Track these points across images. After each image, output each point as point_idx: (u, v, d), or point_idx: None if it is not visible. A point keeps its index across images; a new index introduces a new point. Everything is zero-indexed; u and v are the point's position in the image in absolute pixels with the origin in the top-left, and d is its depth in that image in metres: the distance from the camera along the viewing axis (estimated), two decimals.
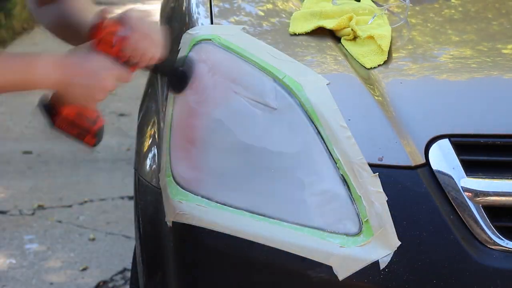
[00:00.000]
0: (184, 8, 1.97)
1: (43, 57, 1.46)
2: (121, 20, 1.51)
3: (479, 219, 1.45)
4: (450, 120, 1.52)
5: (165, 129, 1.68)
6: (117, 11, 1.57)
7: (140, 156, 1.88)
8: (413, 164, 1.47)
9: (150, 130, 1.87)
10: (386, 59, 1.67)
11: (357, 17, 1.79)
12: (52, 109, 1.53)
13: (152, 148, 1.80)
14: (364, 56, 1.68)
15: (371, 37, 1.72)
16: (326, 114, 1.50)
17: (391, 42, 1.74)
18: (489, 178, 1.47)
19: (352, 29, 1.75)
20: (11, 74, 1.43)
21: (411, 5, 1.94)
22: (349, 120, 1.49)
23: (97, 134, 1.58)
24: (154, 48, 1.53)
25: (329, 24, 1.77)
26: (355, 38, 1.75)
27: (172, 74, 1.62)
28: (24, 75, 1.44)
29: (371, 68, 1.65)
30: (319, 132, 1.50)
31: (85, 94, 1.49)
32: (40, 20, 1.71)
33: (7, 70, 1.42)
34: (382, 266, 1.45)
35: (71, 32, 1.65)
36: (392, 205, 1.45)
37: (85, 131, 1.56)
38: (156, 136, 1.78)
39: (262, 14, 1.95)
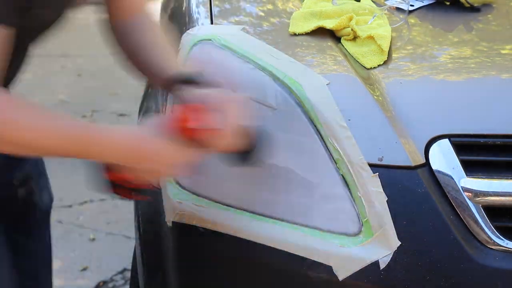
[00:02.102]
0: (184, 8, 1.97)
1: (117, 128, 1.29)
2: (211, 106, 1.31)
3: (479, 219, 1.46)
4: (450, 120, 1.52)
5: None
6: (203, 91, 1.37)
7: None
8: (413, 164, 1.47)
9: None
10: (386, 59, 1.68)
11: (357, 17, 1.80)
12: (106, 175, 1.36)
13: None
14: (364, 56, 1.68)
15: (371, 37, 1.72)
16: (326, 114, 1.50)
17: (391, 42, 1.74)
18: (489, 178, 1.47)
19: (352, 29, 1.75)
20: (69, 138, 1.24)
21: (411, 5, 1.95)
22: (349, 120, 1.49)
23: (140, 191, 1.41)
24: (234, 140, 1.35)
25: (329, 24, 1.77)
26: (355, 38, 1.75)
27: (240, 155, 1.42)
28: (84, 141, 1.24)
29: (371, 68, 1.65)
30: (319, 132, 1.50)
31: (147, 174, 1.33)
32: (116, 51, 1.58)
33: (66, 131, 1.23)
34: (382, 266, 1.45)
35: (143, 70, 1.52)
36: (392, 205, 1.45)
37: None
38: None
39: (262, 14, 1.95)
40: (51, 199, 1.76)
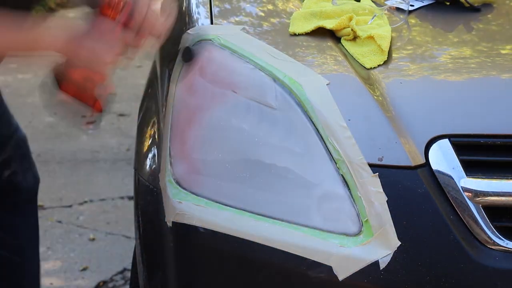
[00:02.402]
0: (184, 8, 1.97)
1: (52, 20, 1.49)
2: None
3: (479, 219, 1.45)
4: (450, 120, 1.52)
5: (165, 129, 1.68)
6: None
7: (140, 156, 1.88)
8: (413, 164, 1.47)
9: (150, 130, 1.87)
10: (386, 59, 1.67)
11: (357, 17, 1.79)
12: (60, 75, 1.55)
13: (152, 148, 1.80)
14: (364, 56, 1.68)
15: (371, 37, 1.72)
16: (326, 114, 1.50)
17: (391, 42, 1.74)
18: (489, 178, 1.47)
19: (352, 29, 1.75)
20: (18, 33, 1.46)
21: (411, 5, 1.95)
22: (349, 120, 1.49)
23: (106, 99, 1.58)
24: (162, 16, 1.54)
25: (329, 24, 1.77)
26: (355, 38, 1.75)
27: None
28: (31, 35, 1.46)
29: (371, 68, 1.65)
30: (319, 132, 1.50)
31: (92, 56, 1.50)
32: None
33: (14, 28, 1.45)
34: (382, 266, 1.45)
35: None
36: (392, 205, 1.45)
37: (93, 96, 1.56)
38: (156, 136, 1.78)
39: (262, 14, 1.95)
40: (36, 181, 1.91)
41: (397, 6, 1.92)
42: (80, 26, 1.50)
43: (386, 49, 1.69)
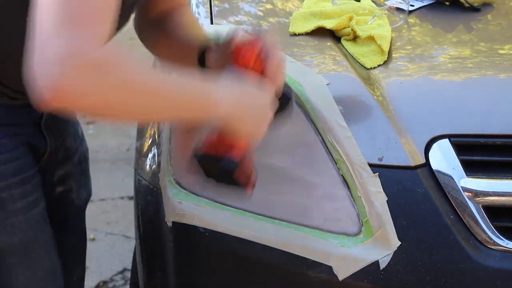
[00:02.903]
0: None
1: (214, 78, 1.22)
2: (258, 38, 1.32)
3: (479, 219, 1.45)
4: (450, 120, 1.52)
5: (165, 129, 1.68)
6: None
7: (140, 156, 1.88)
8: (413, 164, 1.47)
9: (150, 130, 1.87)
10: (386, 59, 1.67)
11: (357, 17, 1.79)
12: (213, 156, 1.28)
13: (152, 148, 1.80)
14: (364, 56, 1.68)
15: (371, 37, 1.72)
16: (326, 114, 1.50)
17: (391, 42, 1.74)
18: (489, 178, 1.47)
19: (352, 29, 1.75)
20: (187, 94, 1.17)
21: (411, 5, 1.95)
22: (349, 120, 1.49)
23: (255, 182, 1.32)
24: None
25: (329, 24, 1.77)
26: (355, 38, 1.75)
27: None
28: (199, 97, 1.18)
29: (371, 68, 1.65)
30: (319, 132, 1.50)
31: (253, 126, 1.28)
32: (144, 39, 1.55)
33: (181, 87, 1.16)
34: (382, 266, 1.45)
35: (178, 51, 1.48)
36: (392, 205, 1.45)
37: (248, 176, 1.30)
38: (156, 136, 1.78)
39: (262, 14, 1.95)
40: (88, 195, 1.81)
41: (397, 6, 1.93)
42: (238, 85, 1.24)
43: (387, 49, 1.69)
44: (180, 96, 1.15)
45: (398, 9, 1.93)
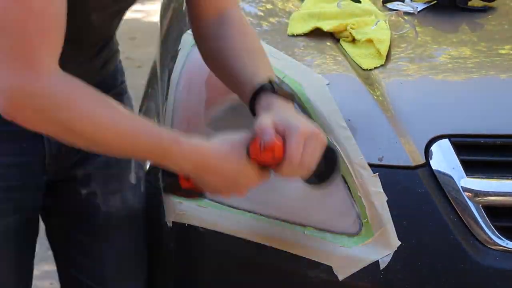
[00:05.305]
0: (184, 8, 1.96)
1: (181, 142, 1.26)
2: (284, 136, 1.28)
3: (479, 219, 1.45)
4: (450, 120, 1.52)
5: None
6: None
7: None
8: (413, 164, 1.47)
9: None
10: (383, 63, 1.67)
11: (357, 18, 1.78)
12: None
13: None
14: (361, 57, 1.68)
15: (370, 41, 1.71)
16: (326, 114, 1.50)
17: (391, 42, 1.74)
18: (489, 178, 1.47)
19: (350, 33, 1.74)
20: (142, 147, 1.24)
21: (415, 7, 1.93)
22: (349, 120, 1.49)
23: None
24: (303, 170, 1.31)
25: (326, 26, 1.76)
26: (354, 40, 1.74)
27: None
28: (156, 153, 1.25)
29: (367, 69, 1.64)
30: None
31: (218, 188, 1.33)
32: (200, 50, 1.51)
33: (140, 140, 1.23)
34: (382, 266, 1.45)
35: (232, 87, 1.45)
36: (392, 205, 1.45)
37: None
38: None
39: (262, 14, 1.95)
40: (128, 206, 1.61)
41: (405, 10, 1.89)
42: (210, 156, 1.28)
43: (384, 53, 1.68)
44: (133, 142, 1.22)
45: (405, 13, 1.89)
